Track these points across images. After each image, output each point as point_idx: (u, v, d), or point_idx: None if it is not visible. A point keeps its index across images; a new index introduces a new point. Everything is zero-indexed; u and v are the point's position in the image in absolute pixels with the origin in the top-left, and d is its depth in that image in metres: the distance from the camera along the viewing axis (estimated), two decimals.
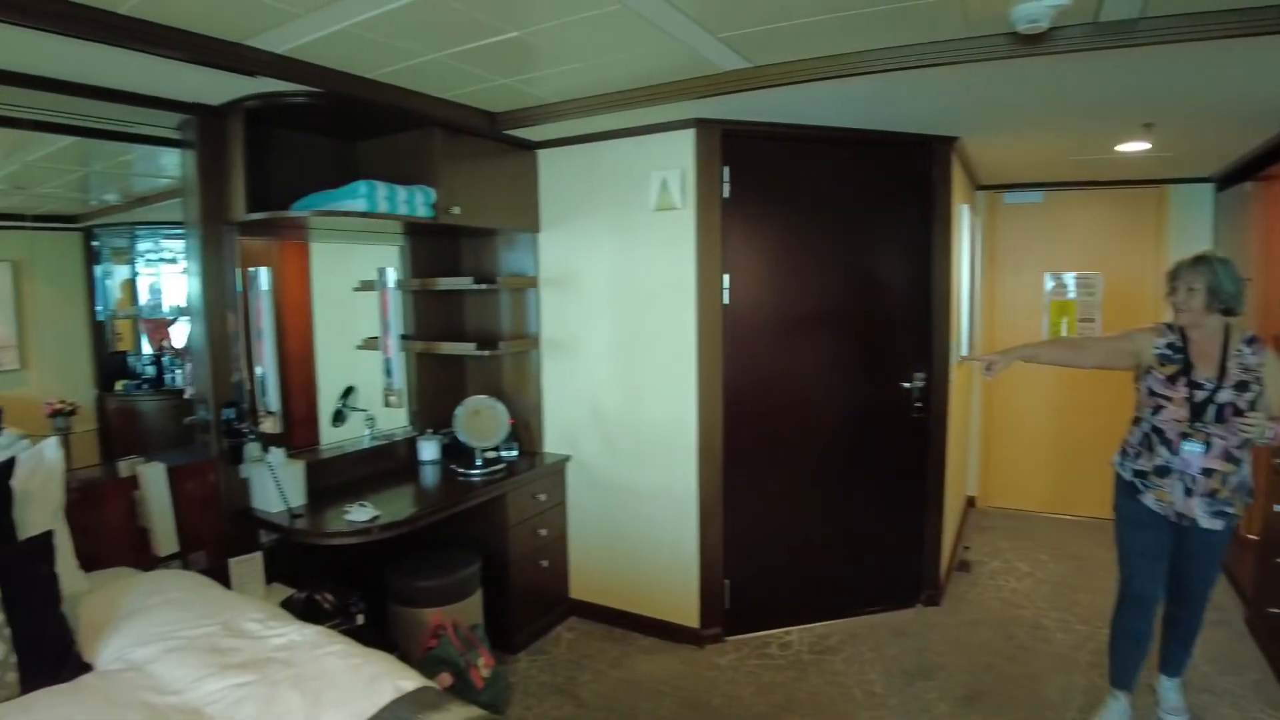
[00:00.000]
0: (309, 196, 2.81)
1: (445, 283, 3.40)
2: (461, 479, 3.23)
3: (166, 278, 2.97)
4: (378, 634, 2.86)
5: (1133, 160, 4.04)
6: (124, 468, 2.56)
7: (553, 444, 3.68)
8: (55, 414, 2.64)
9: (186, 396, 2.87)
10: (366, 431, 3.39)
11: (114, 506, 2.49)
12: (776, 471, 3.40)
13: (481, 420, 3.39)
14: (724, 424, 3.27)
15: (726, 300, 3.23)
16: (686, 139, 3.14)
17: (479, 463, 3.32)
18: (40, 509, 2.09)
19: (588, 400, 3.54)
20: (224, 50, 2.21)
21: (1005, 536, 4.83)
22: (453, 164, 3.04)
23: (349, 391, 3.47)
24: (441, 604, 2.97)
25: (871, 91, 2.69)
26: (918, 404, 3.52)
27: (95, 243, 2.82)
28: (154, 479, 2.50)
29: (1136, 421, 2.64)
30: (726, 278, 3.22)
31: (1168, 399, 2.48)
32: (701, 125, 3.10)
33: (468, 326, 3.77)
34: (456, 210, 3.02)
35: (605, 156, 3.35)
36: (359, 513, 2.69)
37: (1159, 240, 4.80)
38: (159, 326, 3.03)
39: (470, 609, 3.08)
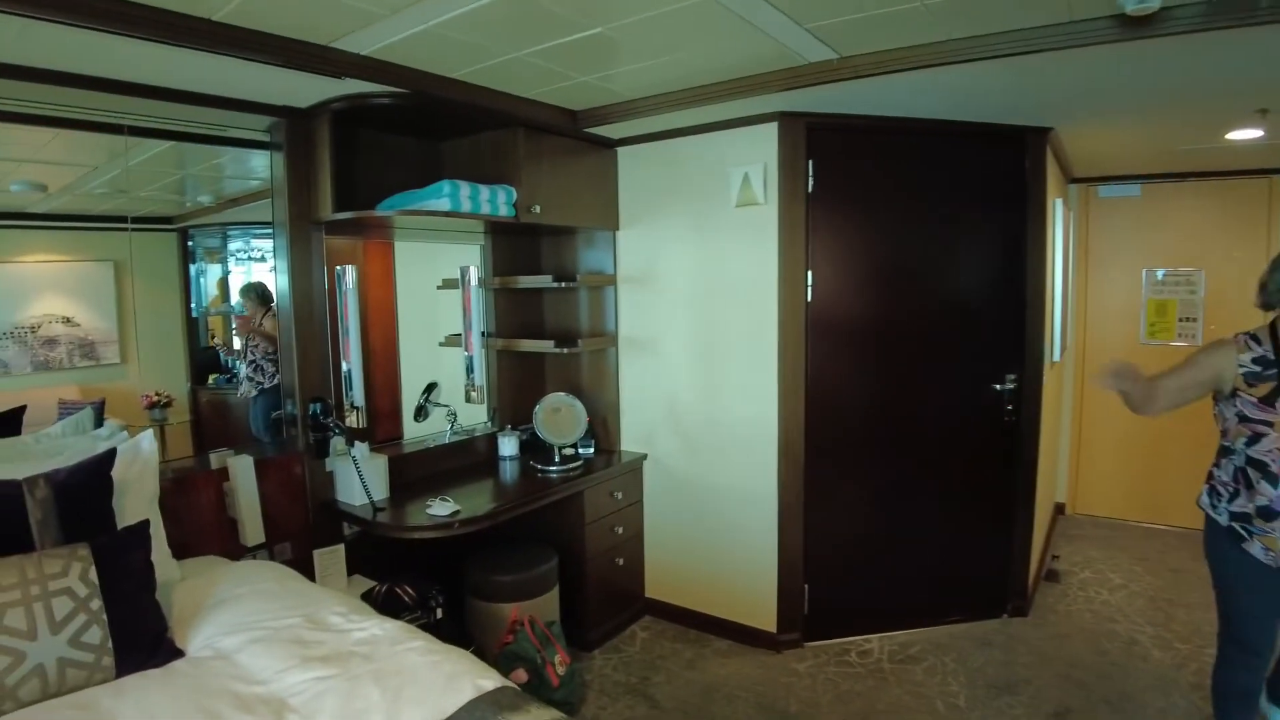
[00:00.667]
0: (394, 196, 2.86)
1: (526, 281, 3.43)
2: (540, 475, 3.24)
3: (257, 276, 3.07)
4: (456, 627, 2.91)
5: (1242, 149, 3.78)
6: (214, 459, 2.65)
7: (630, 442, 3.67)
8: (152, 406, 2.76)
9: (240, 393, 2.98)
10: (448, 427, 3.44)
11: (205, 497, 2.58)
12: (859, 473, 3.31)
13: (560, 418, 3.40)
14: (806, 424, 3.20)
15: (810, 297, 3.15)
16: (769, 133, 3.08)
17: (557, 460, 3.34)
18: (137, 498, 2.17)
19: (666, 399, 3.51)
20: (312, 53, 2.25)
21: (1096, 545, 4.60)
22: (534, 163, 3.05)
23: (431, 387, 3.52)
24: (519, 599, 2.99)
25: (964, 81, 2.58)
26: (1008, 407, 3.37)
27: (190, 243, 2.92)
28: (242, 471, 2.59)
29: (1225, 453, 2.23)
30: (810, 274, 3.14)
31: (1267, 425, 2.06)
32: (785, 119, 3.04)
33: (547, 324, 3.79)
34: (537, 209, 3.04)
35: (685, 152, 3.31)
36: (440, 507, 2.73)
37: (1268, 234, 4.50)
38: (247, 323, 3.12)
39: (547, 605, 3.09)
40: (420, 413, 3.50)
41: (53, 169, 2.55)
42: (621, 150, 3.51)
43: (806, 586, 3.28)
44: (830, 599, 3.33)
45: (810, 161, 3.10)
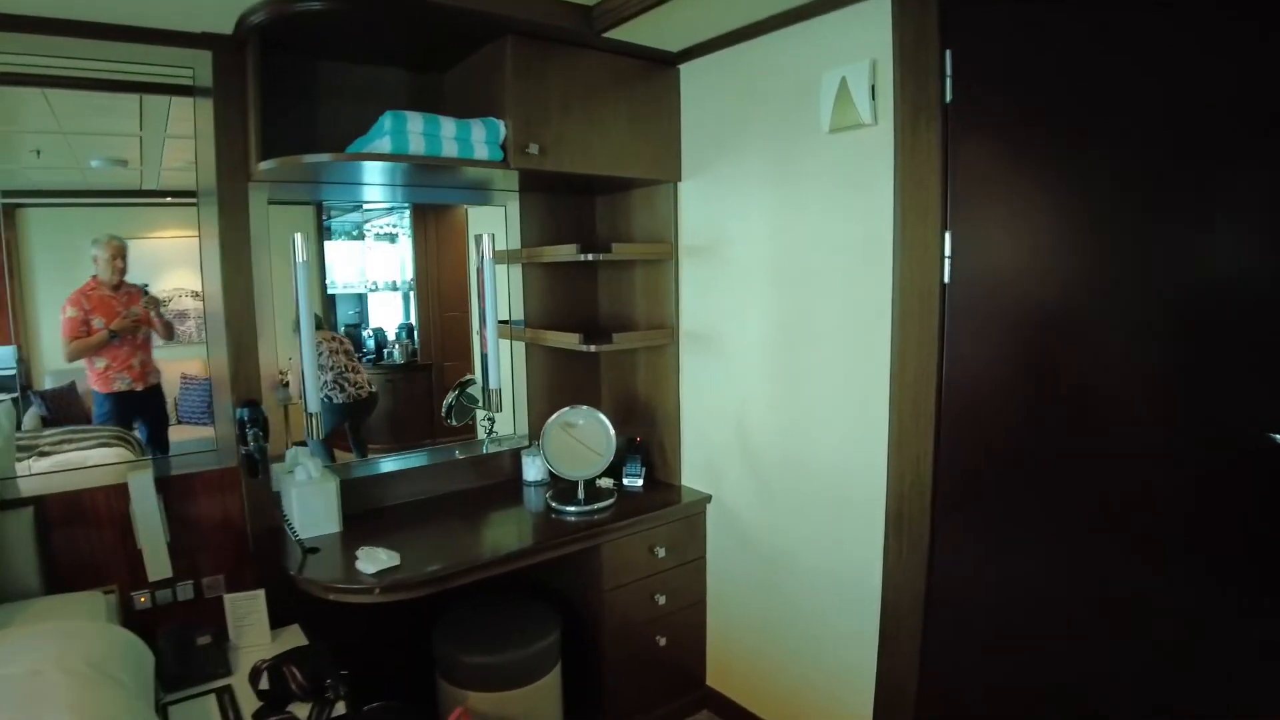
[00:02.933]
0: (355, 141, 2.18)
1: (551, 253, 2.58)
2: (554, 515, 2.41)
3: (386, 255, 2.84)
4: None
5: None
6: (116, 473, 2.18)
7: (692, 474, 2.69)
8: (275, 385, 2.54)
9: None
10: (484, 434, 2.75)
11: (106, 517, 2.11)
12: (1035, 553, 1.99)
13: (576, 439, 2.53)
14: (935, 475, 2.00)
15: (948, 276, 1.94)
16: (879, 12, 1.93)
17: (580, 495, 2.48)
18: None
19: (735, 418, 2.49)
20: None
21: None
22: (530, 85, 2.18)
23: (465, 384, 2.86)
24: (500, 687, 2.20)
25: None
26: None
27: (326, 219, 2.73)
28: (140, 489, 2.05)
29: None
30: (948, 238, 1.93)
31: None
32: None
33: (601, 311, 2.92)
34: (533, 150, 2.17)
35: (761, 59, 2.25)
36: (370, 560, 2.01)
37: None
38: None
39: (541, 697, 2.26)
40: (451, 413, 2.85)
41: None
42: (686, 70, 2.50)
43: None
44: None
45: (948, 53, 1.88)
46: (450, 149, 2.08)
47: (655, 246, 2.60)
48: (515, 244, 2.73)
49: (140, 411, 2.43)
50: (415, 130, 2.03)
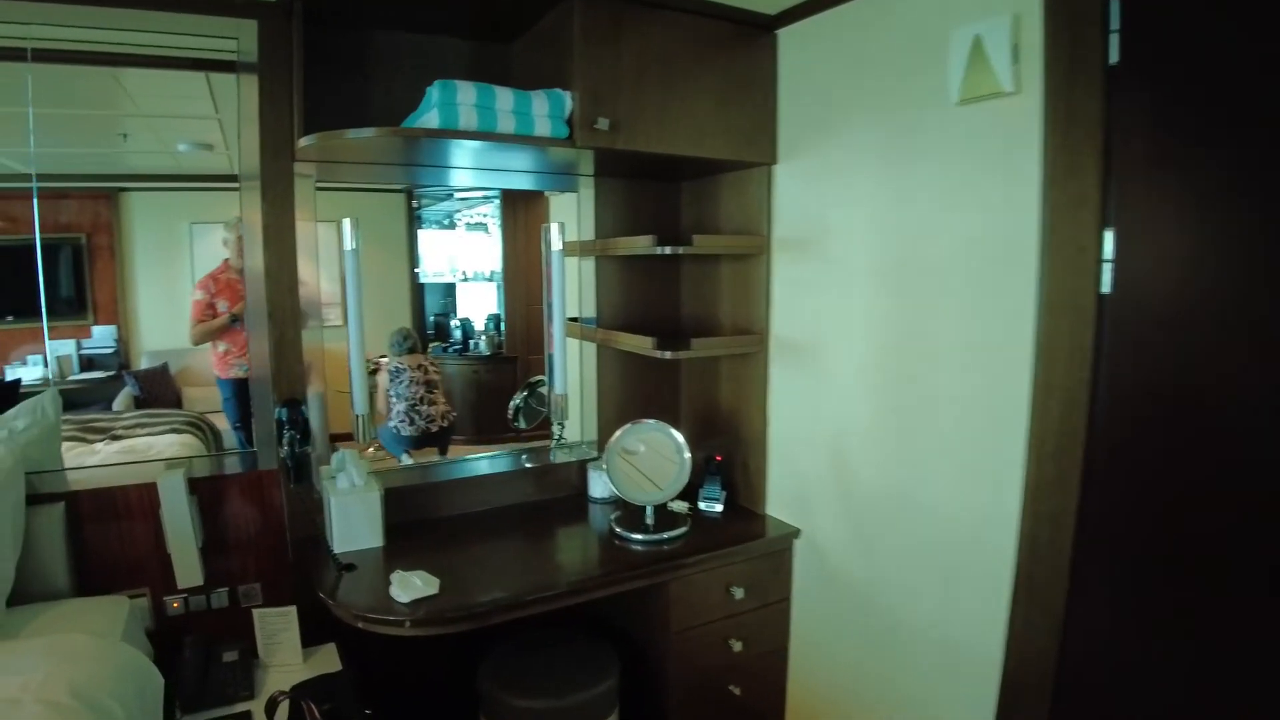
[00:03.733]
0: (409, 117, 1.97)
1: (625, 245, 2.29)
2: (618, 542, 2.14)
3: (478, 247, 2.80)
4: None
5: None
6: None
7: (779, 503, 2.34)
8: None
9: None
10: (553, 442, 2.53)
11: (139, 519, 1.98)
12: (1204, 633, 1.58)
13: (636, 467, 2.23)
14: (1079, 526, 1.59)
15: (1108, 285, 1.53)
16: None
17: (649, 520, 2.19)
18: None
19: (832, 442, 2.12)
20: None
21: None
22: (604, 51, 1.89)
23: (535, 385, 2.66)
24: None
25: None
26: None
27: (416, 205, 2.71)
28: (171, 492, 1.90)
29: None
30: (1110, 237, 1.52)
31: None
32: None
33: (683, 312, 2.62)
34: (603, 125, 1.88)
35: (875, 17, 1.87)
36: (404, 586, 1.80)
37: None
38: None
39: None
40: (519, 415, 2.68)
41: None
42: (784, 35, 2.14)
43: None
44: None
45: (1113, 1, 1.47)
46: (506, 124, 1.83)
47: (744, 239, 2.27)
48: (590, 235, 2.46)
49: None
50: (467, 102, 1.78)
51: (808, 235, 2.13)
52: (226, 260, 2.38)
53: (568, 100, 1.89)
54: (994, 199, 1.65)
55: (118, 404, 2.56)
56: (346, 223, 2.02)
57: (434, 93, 1.77)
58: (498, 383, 2.82)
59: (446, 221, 2.78)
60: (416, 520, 2.25)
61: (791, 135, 2.16)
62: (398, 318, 2.69)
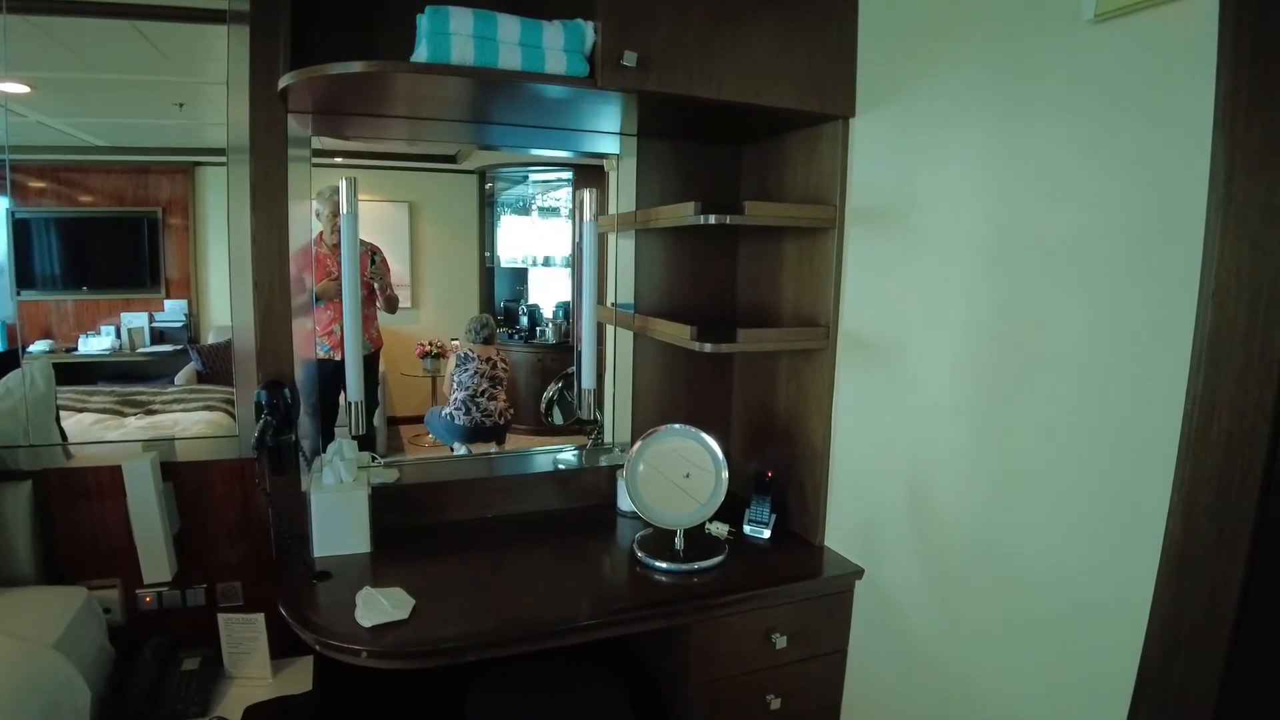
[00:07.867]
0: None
1: (667, 214, 1.91)
2: (640, 568, 1.79)
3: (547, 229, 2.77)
4: None
5: None
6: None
7: (840, 535, 1.92)
8: (424, 355, 2.61)
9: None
10: (590, 440, 2.27)
11: (109, 506, 1.80)
12: None
13: (667, 474, 1.86)
14: (1242, 609, 1.13)
15: None
16: None
17: (679, 545, 1.83)
18: None
19: (910, 467, 1.69)
20: None
21: None
22: None
23: (569, 376, 2.45)
24: None
25: None
26: None
27: (488, 186, 2.67)
28: (137, 478, 1.70)
29: None
30: None
31: None
32: None
33: (738, 298, 2.23)
34: (630, 61, 1.53)
35: None
36: (371, 608, 1.52)
37: None
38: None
39: None
40: (551, 410, 2.56)
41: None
42: None
43: None
44: None
45: None
46: (510, 58, 1.50)
47: (809, 209, 1.84)
48: (631, 206, 2.12)
49: (338, 382, 2.15)
50: (461, 32, 1.47)
51: (890, 205, 1.70)
52: (320, 234, 2.20)
53: (589, 31, 1.55)
54: (1141, 151, 1.19)
55: (180, 379, 2.50)
56: (343, 183, 1.76)
57: (423, 21, 1.47)
58: (562, 372, 2.72)
59: (520, 206, 2.72)
60: (417, 523, 2.00)
61: (873, 80, 1.73)
62: (466, 302, 2.64)
